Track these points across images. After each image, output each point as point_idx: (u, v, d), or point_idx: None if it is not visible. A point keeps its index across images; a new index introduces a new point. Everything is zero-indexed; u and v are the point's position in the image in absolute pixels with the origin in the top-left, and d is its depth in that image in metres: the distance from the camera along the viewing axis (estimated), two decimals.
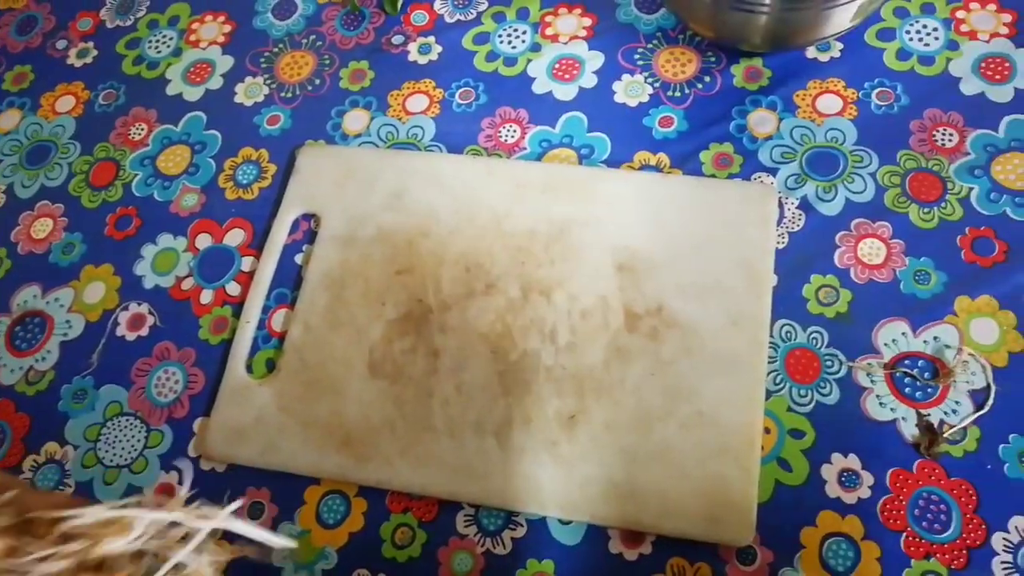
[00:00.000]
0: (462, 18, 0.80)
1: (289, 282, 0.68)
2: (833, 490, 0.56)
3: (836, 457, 0.57)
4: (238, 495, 0.62)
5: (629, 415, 0.58)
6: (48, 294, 0.72)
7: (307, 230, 0.70)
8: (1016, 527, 0.53)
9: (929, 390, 0.58)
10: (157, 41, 0.85)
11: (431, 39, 0.79)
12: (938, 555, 0.53)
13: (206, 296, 0.69)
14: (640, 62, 0.74)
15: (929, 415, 0.57)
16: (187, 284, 0.70)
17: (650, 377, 0.59)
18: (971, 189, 0.63)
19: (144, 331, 0.69)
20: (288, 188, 0.72)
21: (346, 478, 0.60)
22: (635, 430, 0.58)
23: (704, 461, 0.56)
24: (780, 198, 0.65)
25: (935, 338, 0.59)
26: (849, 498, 0.56)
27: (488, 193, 0.68)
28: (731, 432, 0.57)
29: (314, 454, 0.61)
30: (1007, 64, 0.68)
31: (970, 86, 0.67)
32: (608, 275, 0.63)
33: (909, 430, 0.57)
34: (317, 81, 0.79)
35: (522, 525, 0.58)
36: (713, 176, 0.67)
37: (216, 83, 0.81)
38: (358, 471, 0.60)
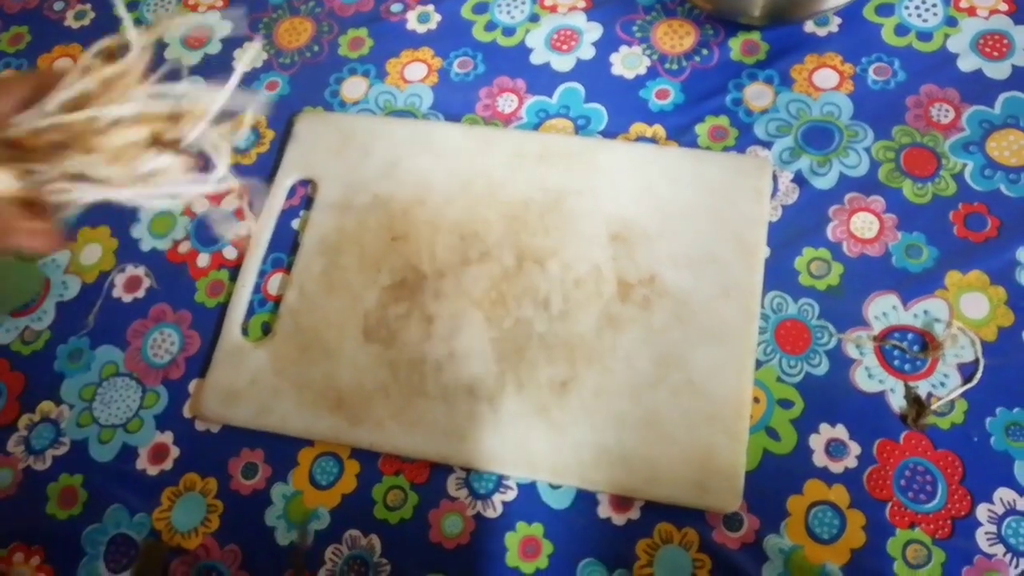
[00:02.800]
0: None
1: (286, 247, 0.69)
2: (820, 459, 0.57)
3: (824, 427, 0.57)
4: (232, 456, 0.62)
5: (620, 382, 0.59)
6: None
7: (304, 196, 0.71)
8: (1001, 498, 0.54)
9: (918, 363, 0.58)
10: (156, 4, 0.85)
11: (430, 8, 0.79)
12: (923, 524, 0.54)
13: (203, 259, 0.70)
14: (638, 34, 0.74)
15: (917, 387, 0.57)
16: (184, 247, 0.71)
17: (641, 345, 0.60)
18: (965, 165, 0.64)
19: (140, 293, 0.69)
20: (285, 154, 0.72)
21: (339, 440, 0.61)
22: (626, 397, 0.58)
23: (693, 428, 0.57)
24: (774, 171, 0.65)
25: (925, 312, 0.59)
26: (836, 467, 0.56)
27: (484, 162, 0.68)
28: (720, 400, 0.58)
29: (307, 416, 0.61)
30: (1005, 41, 0.68)
31: (968, 62, 0.68)
32: (602, 244, 0.63)
33: (897, 402, 0.57)
34: (316, 48, 0.79)
35: (512, 489, 0.59)
36: (708, 149, 0.68)
37: (215, 48, 0.81)
38: (351, 433, 0.60)
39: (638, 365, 0.59)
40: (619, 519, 0.57)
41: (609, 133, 0.70)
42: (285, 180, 0.71)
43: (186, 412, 0.64)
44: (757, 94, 0.69)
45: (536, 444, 0.58)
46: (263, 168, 0.73)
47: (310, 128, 0.73)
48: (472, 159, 0.68)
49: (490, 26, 0.77)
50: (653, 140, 0.69)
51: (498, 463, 0.58)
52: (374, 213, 0.67)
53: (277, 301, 0.66)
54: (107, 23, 0.84)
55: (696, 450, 0.56)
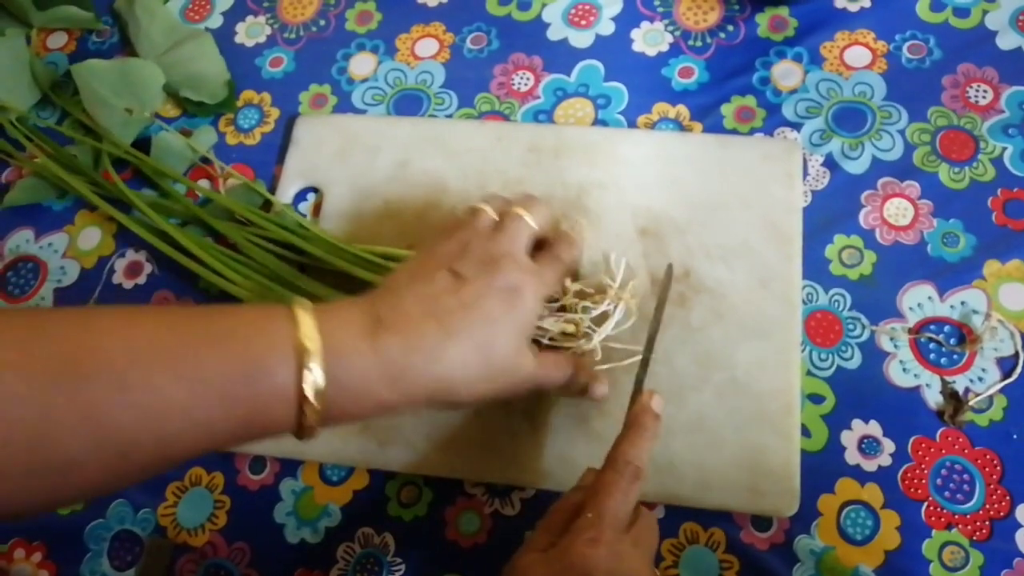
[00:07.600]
0: None
1: None
2: (853, 457, 0.54)
3: (857, 423, 0.55)
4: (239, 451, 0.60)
5: (661, 385, 0.56)
6: (41, 239, 0.70)
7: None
8: None
9: (955, 356, 0.56)
10: None
11: None
12: (960, 526, 0.52)
13: None
14: (660, 9, 0.71)
15: (954, 382, 0.55)
16: None
17: (681, 345, 0.57)
18: (1004, 149, 0.61)
19: (141, 279, 0.67)
20: (287, 161, 0.68)
21: (370, 465, 0.58)
22: (668, 401, 0.55)
23: (741, 430, 0.54)
24: (804, 154, 0.63)
25: (962, 303, 0.57)
26: (869, 465, 0.54)
27: (498, 159, 0.65)
28: (768, 398, 0.55)
29: (332, 441, 0.58)
30: None
31: (1007, 40, 0.65)
32: (631, 240, 0.60)
33: (933, 397, 0.55)
34: (322, 22, 0.76)
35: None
36: (735, 130, 0.65)
37: (216, 21, 0.78)
38: (381, 456, 0.57)
39: (679, 366, 0.56)
40: None
41: (630, 113, 0.67)
42: (289, 189, 0.67)
43: None
44: (785, 73, 0.66)
45: (579, 457, 0.55)
46: (269, 148, 0.70)
47: (310, 132, 0.69)
48: (485, 156, 0.65)
49: None
50: (676, 121, 0.66)
51: (541, 479, 0.56)
52: (387, 220, 0.64)
53: None
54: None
55: (746, 453, 0.54)
